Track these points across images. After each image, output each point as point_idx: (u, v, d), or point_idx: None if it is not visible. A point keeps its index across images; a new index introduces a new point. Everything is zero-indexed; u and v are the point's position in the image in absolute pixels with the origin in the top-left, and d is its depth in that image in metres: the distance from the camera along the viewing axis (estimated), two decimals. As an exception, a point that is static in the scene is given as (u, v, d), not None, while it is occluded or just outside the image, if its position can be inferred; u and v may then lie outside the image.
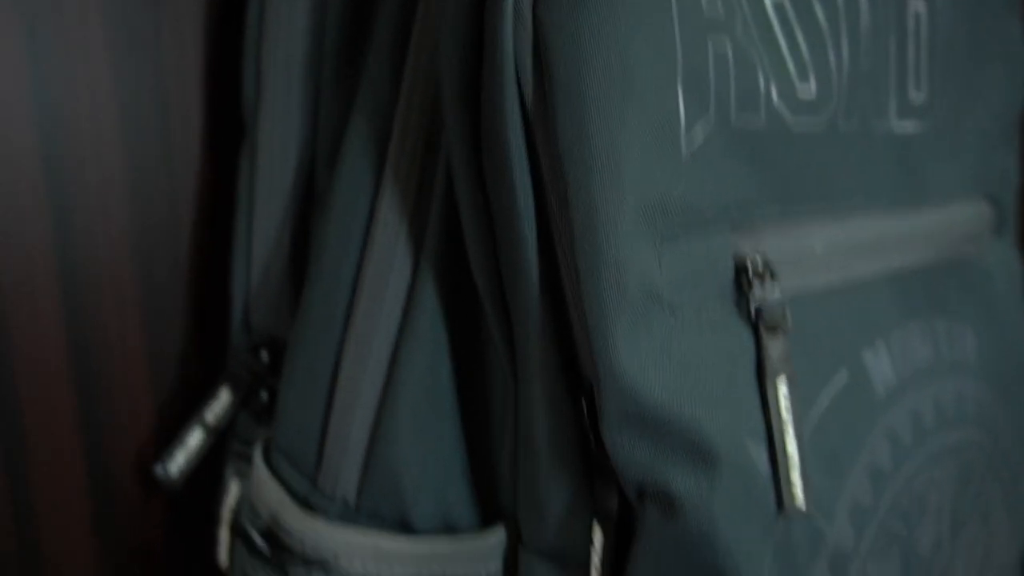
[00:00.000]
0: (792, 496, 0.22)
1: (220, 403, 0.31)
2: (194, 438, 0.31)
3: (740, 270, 0.23)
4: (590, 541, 0.23)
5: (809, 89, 0.25)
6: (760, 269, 0.23)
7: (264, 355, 0.30)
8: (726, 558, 0.21)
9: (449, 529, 0.25)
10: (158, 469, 0.32)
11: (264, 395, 0.31)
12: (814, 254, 0.26)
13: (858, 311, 0.27)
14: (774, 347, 0.23)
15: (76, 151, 0.30)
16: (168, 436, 0.33)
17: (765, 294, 0.23)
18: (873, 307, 0.27)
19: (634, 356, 0.21)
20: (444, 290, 0.25)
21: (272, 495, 0.26)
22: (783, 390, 0.23)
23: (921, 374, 0.28)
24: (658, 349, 0.21)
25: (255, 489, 0.27)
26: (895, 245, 0.28)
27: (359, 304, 0.26)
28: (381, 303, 0.26)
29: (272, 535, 0.26)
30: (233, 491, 0.30)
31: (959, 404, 0.30)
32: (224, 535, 0.31)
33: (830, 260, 0.26)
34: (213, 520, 0.34)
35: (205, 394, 0.33)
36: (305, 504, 0.26)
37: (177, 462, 0.31)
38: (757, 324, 0.23)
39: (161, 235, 0.32)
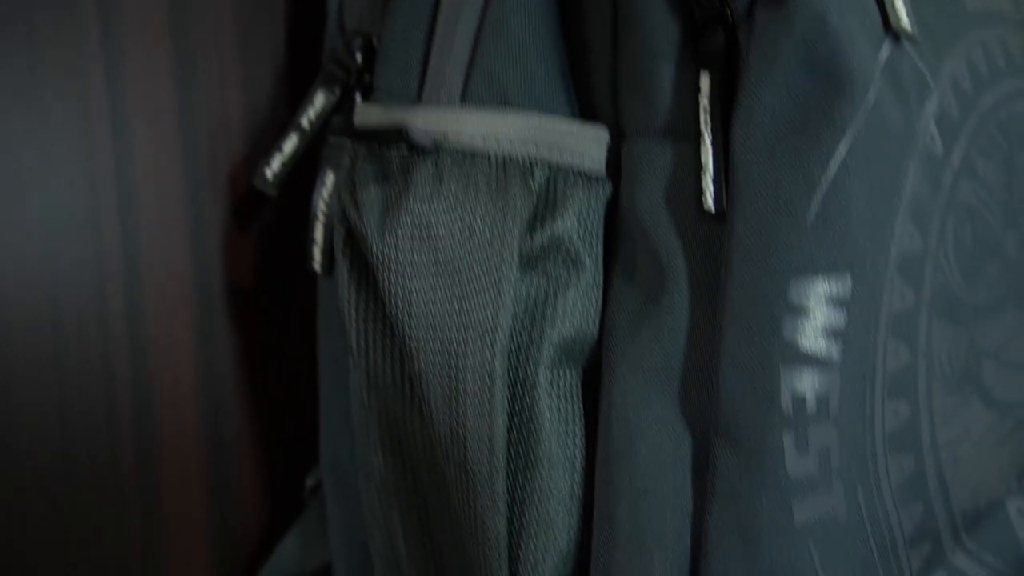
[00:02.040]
0: (897, 18, 0.23)
1: (314, 107, 0.32)
2: (289, 143, 0.32)
3: None
4: (697, 94, 0.23)
5: None
6: None
7: (358, 54, 0.31)
8: (839, 52, 0.21)
9: None
10: (255, 178, 0.32)
11: (358, 97, 0.31)
12: None
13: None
14: None
15: None
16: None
17: None
18: None
19: None
20: None
21: (376, 114, 0.27)
22: None
23: (1001, 16, 0.29)
24: None
25: (358, 122, 0.28)
26: None
27: None
28: None
29: (379, 140, 0.26)
30: (328, 183, 0.31)
31: None
32: (319, 233, 0.31)
33: None
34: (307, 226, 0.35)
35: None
36: None
37: (272, 168, 0.32)
38: None
39: None
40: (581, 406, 0.25)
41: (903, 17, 0.23)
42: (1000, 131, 0.27)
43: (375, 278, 0.26)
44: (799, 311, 0.22)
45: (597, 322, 0.25)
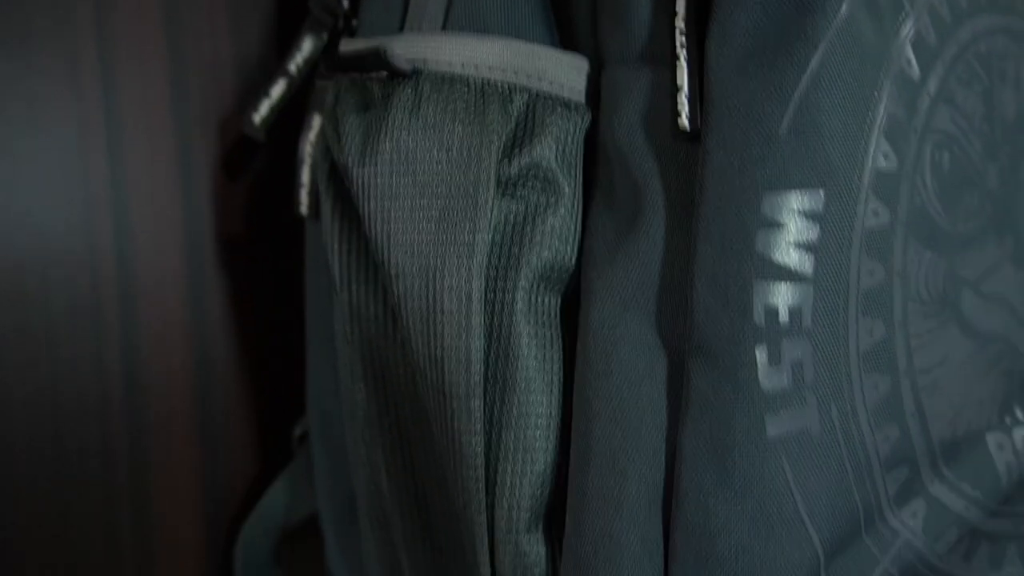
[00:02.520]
0: None
1: (302, 53, 0.32)
2: (277, 88, 0.32)
3: None
4: (673, 17, 0.24)
5: None
6: None
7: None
8: None
9: None
10: (244, 122, 0.33)
11: (345, 42, 0.32)
12: None
13: None
14: None
15: None
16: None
17: None
18: None
19: None
20: None
21: (359, 44, 0.27)
22: None
23: None
24: None
25: (342, 52, 0.28)
26: None
27: None
28: None
29: (360, 68, 0.26)
30: (314, 126, 0.31)
31: None
32: (306, 175, 0.32)
33: None
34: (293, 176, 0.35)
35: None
36: None
37: (260, 113, 0.33)
38: None
39: None
40: (560, 331, 0.25)
41: None
42: (980, 63, 0.27)
43: (357, 209, 0.26)
44: (772, 225, 0.22)
45: (575, 247, 0.25)
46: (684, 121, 0.23)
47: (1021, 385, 0.28)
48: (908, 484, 0.25)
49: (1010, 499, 0.28)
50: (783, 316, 0.22)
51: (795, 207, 0.22)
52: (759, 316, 0.22)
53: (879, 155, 0.23)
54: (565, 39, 0.27)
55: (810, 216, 0.22)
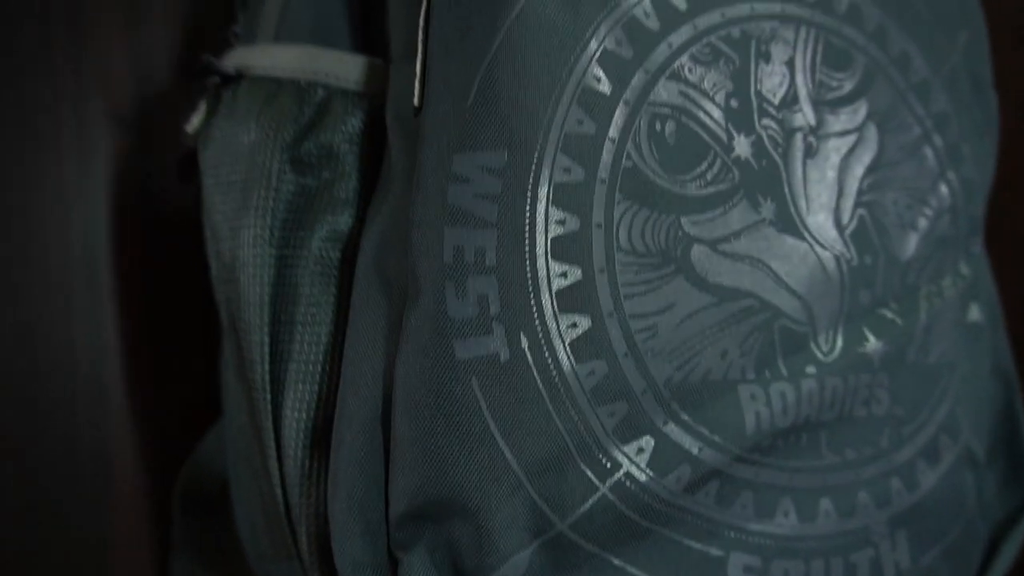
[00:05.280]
0: None
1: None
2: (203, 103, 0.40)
3: None
4: (419, 16, 0.28)
5: None
6: None
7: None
8: None
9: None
10: (182, 134, 0.40)
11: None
12: None
13: None
14: None
15: None
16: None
17: None
18: None
19: None
20: None
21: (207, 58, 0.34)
22: None
23: None
24: None
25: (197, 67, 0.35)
26: None
27: None
28: None
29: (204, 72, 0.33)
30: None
31: None
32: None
33: None
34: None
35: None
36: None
37: (192, 124, 0.40)
38: None
39: None
40: (338, 279, 0.30)
41: None
42: (729, 46, 0.29)
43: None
44: (460, 179, 0.26)
45: (357, 215, 0.30)
46: (416, 101, 0.27)
47: (784, 341, 0.29)
48: (630, 420, 0.27)
49: (770, 449, 0.29)
50: (468, 256, 0.26)
51: (479, 165, 0.26)
52: (448, 256, 0.26)
53: (571, 121, 0.26)
54: (381, 44, 0.32)
55: (493, 172, 0.26)
